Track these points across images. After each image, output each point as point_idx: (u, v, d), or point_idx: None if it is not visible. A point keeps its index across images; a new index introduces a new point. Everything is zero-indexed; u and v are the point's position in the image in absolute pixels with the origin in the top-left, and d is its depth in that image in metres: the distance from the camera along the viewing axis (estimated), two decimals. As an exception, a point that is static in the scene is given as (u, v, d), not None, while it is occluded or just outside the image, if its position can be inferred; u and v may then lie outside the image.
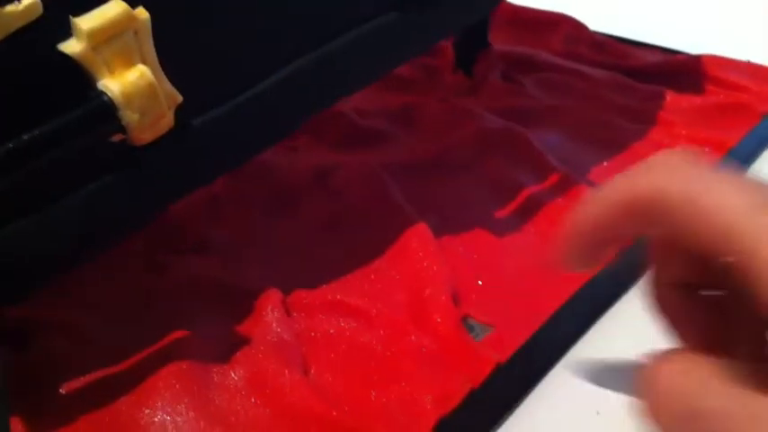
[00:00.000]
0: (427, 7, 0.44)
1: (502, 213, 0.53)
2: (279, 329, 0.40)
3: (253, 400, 0.37)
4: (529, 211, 0.53)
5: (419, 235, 0.46)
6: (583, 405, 0.38)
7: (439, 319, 0.41)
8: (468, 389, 0.38)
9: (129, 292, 0.42)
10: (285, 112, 0.39)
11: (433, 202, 0.51)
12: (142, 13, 0.32)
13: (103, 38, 0.32)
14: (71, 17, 0.31)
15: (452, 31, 0.61)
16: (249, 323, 0.40)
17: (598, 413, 0.37)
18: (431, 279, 0.43)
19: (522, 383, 0.39)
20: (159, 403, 0.35)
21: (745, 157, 0.57)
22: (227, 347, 0.39)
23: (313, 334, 0.41)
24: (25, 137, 0.30)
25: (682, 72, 0.68)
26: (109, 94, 0.32)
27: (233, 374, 0.38)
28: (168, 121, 0.35)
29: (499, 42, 0.72)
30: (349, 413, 0.36)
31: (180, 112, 0.35)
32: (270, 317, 0.40)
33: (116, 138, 0.34)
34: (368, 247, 0.46)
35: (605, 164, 0.57)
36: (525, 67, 0.72)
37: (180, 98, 0.35)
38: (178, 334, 0.39)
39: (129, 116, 0.32)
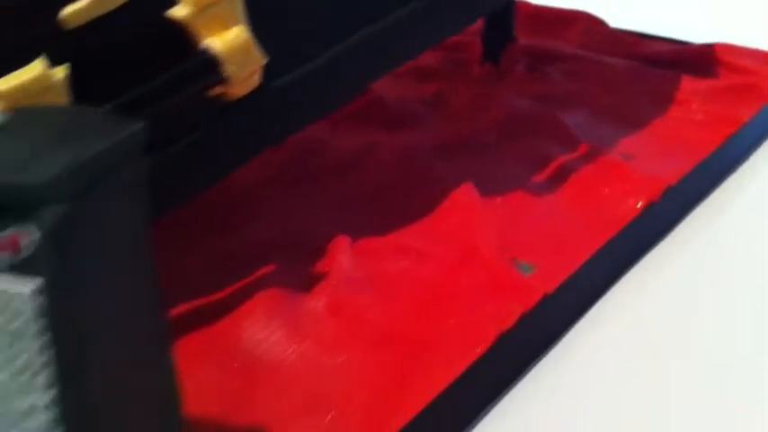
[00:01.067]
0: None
1: (537, 179, 0.58)
2: (350, 268, 0.45)
3: (333, 321, 0.42)
4: (561, 177, 0.58)
5: (465, 193, 0.52)
6: (624, 338, 0.43)
7: (489, 257, 0.46)
8: (519, 314, 0.43)
9: (221, 244, 0.47)
10: (352, 76, 0.45)
11: (470, 174, 0.56)
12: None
13: (205, 4, 0.38)
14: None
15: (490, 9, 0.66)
16: (324, 264, 0.46)
17: (640, 348, 0.42)
18: (479, 226, 0.49)
19: (568, 314, 0.45)
20: (255, 324, 0.41)
21: (758, 132, 0.62)
22: (307, 282, 0.44)
23: (379, 272, 0.46)
24: (150, 85, 0.36)
25: (695, 59, 0.73)
26: (212, 51, 0.37)
27: (314, 302, 0.43)
28: (256, 79, 0.40)
29: (521, 38, 0.77)
30: (416, 332, 0.41)
31: (264, 73, 0.40)
32: (341, 258, 0.46)
33: (212, 92, 0.40)
34: (418, 205, 0.52)
35: (630, 138, 0.62)
36: (548, 58, 0.78)
37: (265, 59, 0.40)
38: (267, 270, 0.44)
39: (230, 69, 0.38)
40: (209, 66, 0.37)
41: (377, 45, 0.45)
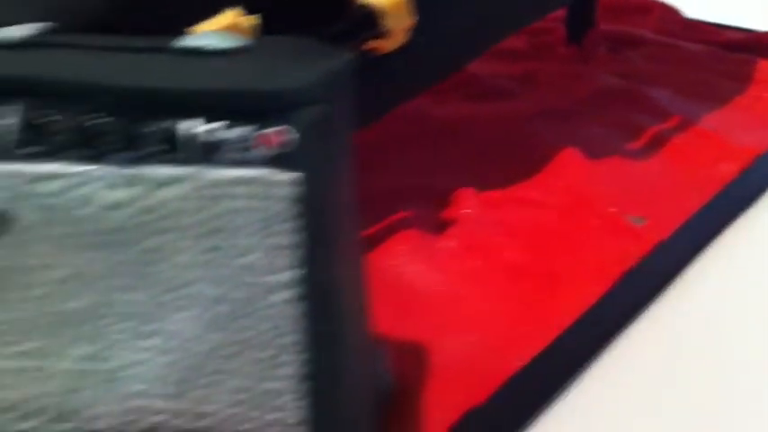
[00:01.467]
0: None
1: (633, 146, 0.62)
2: (477, 214, 0.49)
3: (468, 258, 0.46)
4: (656, 145, 0.62)
5: (572, 154, 0.56)
6: (730, 285, 0.47)
7: (602, 208, 0.50)
8: (638, 255, 0.47)
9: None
10: (482, 35, 0.49)
11: (570, 140, 0.60)
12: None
13: (369, -35, 0.42)
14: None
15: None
16: (452, 211, 0.50)
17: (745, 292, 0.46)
18: (589, 182, 0.53)
19: (680, 260, 0.49)
20: (400, 257, 0.45)
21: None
22: (439, 225, 0.48)
23: (503, 218, 0.50)
24: (321, 34, 0.40)
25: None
26: (374, 7, 0.42)
27: (449, 242, 0.47)
28: (405, 35, 0.45)
29: (601, 25, 0.81)
30: (545, 267, 0.45)
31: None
32: (469, 205, 0.50)
33: (367, 46, 0.44)
34: (529, 163, 0.56)
35: (713, 113, 0.66)
36: (628, 42, 0.82)
37: (414, 19, 0.44)
38: (404, 214, 0.49)
39: (388, 23, 0.42)
40: (371, 19, 0.41)
41: (504, 8, 0.50)
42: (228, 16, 0.38)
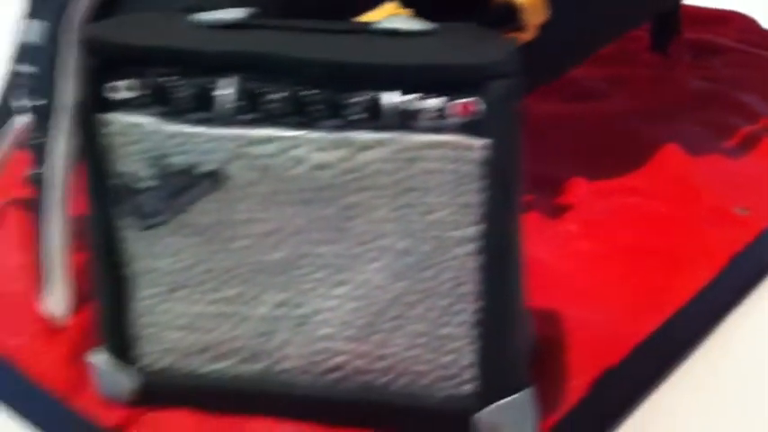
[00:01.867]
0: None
1: (727, 144, 0.65)
2: (591, 201, 0.53)
3: (587, 240, 0.50)
4: (748, 144, 0.65)
5: (676, 149, 0.60)
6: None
7: (708, 198, 0.54)
8: (745, 241, 0.51)
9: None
10: (609, 29, 0.53)
11: (667, 138, 0.64)
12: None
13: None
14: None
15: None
16: (566, 197, 0.54)
17: None
18: (695, 175, 0.57)
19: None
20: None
21: None
22: (556, 210, 0.52)
23: (615, 205, 0.54)
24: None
25: None
26: (514, 3, 0.46)
27: (568, 226, 0.51)
28: (537, 31, 0.49)
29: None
30: (661, 249, 0.49)
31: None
32: (582, 194, 0.54)
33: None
34: (634, 157, 0.60)
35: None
36: (711, 50, 0.85)
37: (547, 15, 0.48)
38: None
39: (529, 18, 0.46)
40: (513, 14, 0.46)
41: (618, 10, 0.54)
42: (389, 8, 0.42)
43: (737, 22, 0.93)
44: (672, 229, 0.52)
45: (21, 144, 0.47)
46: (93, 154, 0.35)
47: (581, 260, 0.49)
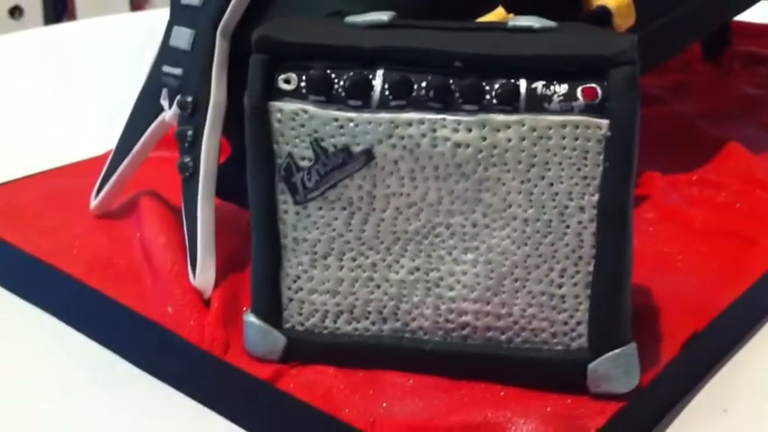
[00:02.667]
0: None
1: (785, 144, 0.71)
2: (666, 191, 0.59)
3: (667, 225, 0.55)
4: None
5: (737, 145, 0.65)
6: None
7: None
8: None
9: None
10: (676, 40, 0.58)
11: (730, 137, 0.69)
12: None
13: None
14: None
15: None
16: (643, 189, 0.59)
17: None
18: (758, 168, 0.62)
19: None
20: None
21: None
22: (636, 200, 0.58)
23: (689, 195, 0.59)
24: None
25: None
26: (608, 7, 0.51)
27: (647, 213, 0.57)
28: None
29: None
30: (735, 231, 0.54)
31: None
32: (657, 184, 0.59)
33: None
34: (701, 152, 0.65)
35: None
36: (759, 60, 0.91)
37: (634, 20, 0.54)
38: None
39: (618, 22, 0.52)
40: (606, 17, 0.51)
41: (701, 12, 0.59)
42: (500, 13, 0.48)
43: (782, 36, 0.98)
44: (745, 215, 0.57)
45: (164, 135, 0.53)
46: (261, 137, 0.40)
47: (663, 241, 0.55)
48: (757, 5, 0.81)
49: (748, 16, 0.99)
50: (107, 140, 0.61)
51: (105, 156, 0.59)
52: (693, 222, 0.56)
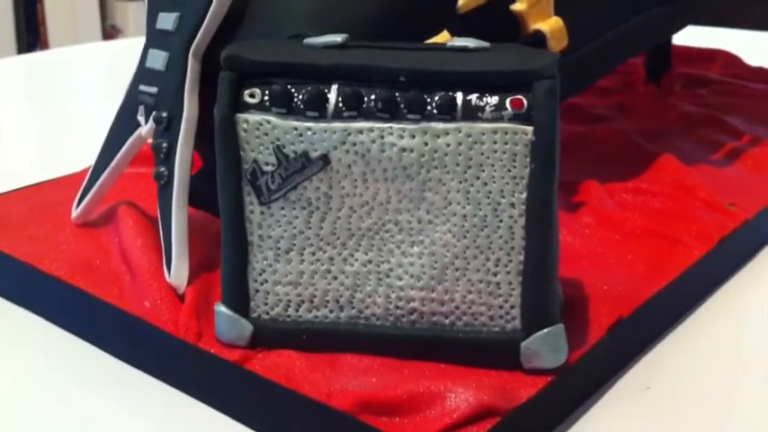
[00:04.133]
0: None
1: (715, 157, 0.77)
2: (602, 198, 0.64)
3: (602, 229, 0.61)
4: (734, 156, 0.77)
5: (672, 158, 0.71)
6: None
7: (701, 194, 0.65)
8: (732, 227, 0.62)
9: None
10: (613, 56, 0.65)
11: (664, 151, 0.75)
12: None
13: (534, 2, 0.58)
14: (519, -10, 0.57)
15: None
16: (581, 196, 0.65)
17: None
18: (689, 177, 0.68)
19: (760, 238, 0.63)
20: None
21: None
22: (574, 206, 0.63)
23: (623, 201, 0.65)
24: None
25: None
26: (543, 31, 0.57)
27: (585, 218, 0.62)
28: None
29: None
30: (663, 232, 0.60)
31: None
32: (594, 192, 0.65)
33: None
34: (637, 164, 0.71)
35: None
36: (700, 82, 0.98)
37: (566, 42, 0.60)
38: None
39: (552, 45, 0.58)
40: (541, 40, 0.57)
41: (631, 36, 0.65)
42: (444, 36, 0.54)
43: (723, 59, 1.05)
44: (672, 219, 0.63)
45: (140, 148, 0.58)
46: (230, 145, 0.46)
47: (597, 242, 0.60)
48: (698, 31, 0.88)
49: (689, 41, 1.06)
50: (81, 159, 0.67)
51: (83, 172, 0.64)
52: (625, 225, 0.61)
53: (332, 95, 0.45)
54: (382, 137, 0.45)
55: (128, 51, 0.62)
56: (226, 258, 0.48)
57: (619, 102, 0.90)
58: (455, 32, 0.54)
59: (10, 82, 1.20)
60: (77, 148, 0.80)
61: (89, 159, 0.61)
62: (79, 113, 1.03)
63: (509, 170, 0.44)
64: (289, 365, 0.47)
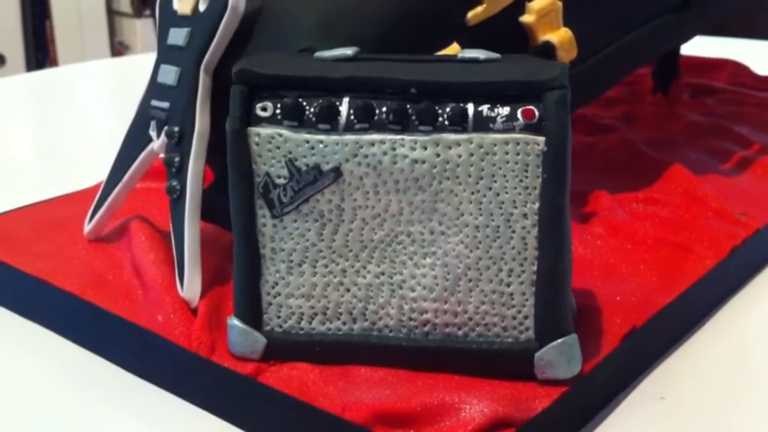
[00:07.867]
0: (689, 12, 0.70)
1: (725, 166, 0.77)
2: (613, 209, 0.64)
3: (613, 238, 0.61)
4: (743, 166, 0.77)
5: (682, 168, 0.71)
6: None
7: (712, 204, 0.65)
8: (743, 237, 0.62)
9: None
10: (616, 70, 0.65)
11: (674, 161, 0.75)
12: (559, 2, 0.58)
13: (542, 13, 0.58)
14: (527, 3, 0.57)
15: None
16: (591, 207, 0.65)
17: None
18: (699, 186, 0.68)
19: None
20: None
21: None
22: (585, 217, 0.63)
23: (634, 211, 0.65)
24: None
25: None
26: (552, 42, 0.58)
27: (596, 228, 0.62)
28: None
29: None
30: (675, 241, 0.60)
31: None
32: (605, 203, 0.65)
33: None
34: (646, 174, 0.71)
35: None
36: (707, 91, 0.98)
37: (576, 53, 0.60)
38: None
39: (561, 55, 0.58)
40: (550, 51, 0.57)
41: (639, 45, 0.65)
42: (454, 48, 0.54)
43: (731, 68, 1.05)
44: (683, 228, 0.63)
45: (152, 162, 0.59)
46: (242, 159, 0.46)
47: (609, 252, 0.60)
48: (705, 41, 0.88)
49: (696, 50, 1.06)
50: (90, 175, 0.67)
51: (94, 188, 0.64)
52: (637, 235, 0.61)
53: (343, 108, 0.45)
54: (394, 149, 0.45)
55: (136, 68, 0.63)
56: (238, 271, 0.48)
57: (625, 112, 0.90)
58: (464, 44, 0.54)
59: (19, 99, 1.20)
60: (86, 165, 0.80)
61: (98, 175, 0.61)
62: (88, 130, 1.04)
63: (521, 180, 0.44)
64: (302, 378, 0.47)
